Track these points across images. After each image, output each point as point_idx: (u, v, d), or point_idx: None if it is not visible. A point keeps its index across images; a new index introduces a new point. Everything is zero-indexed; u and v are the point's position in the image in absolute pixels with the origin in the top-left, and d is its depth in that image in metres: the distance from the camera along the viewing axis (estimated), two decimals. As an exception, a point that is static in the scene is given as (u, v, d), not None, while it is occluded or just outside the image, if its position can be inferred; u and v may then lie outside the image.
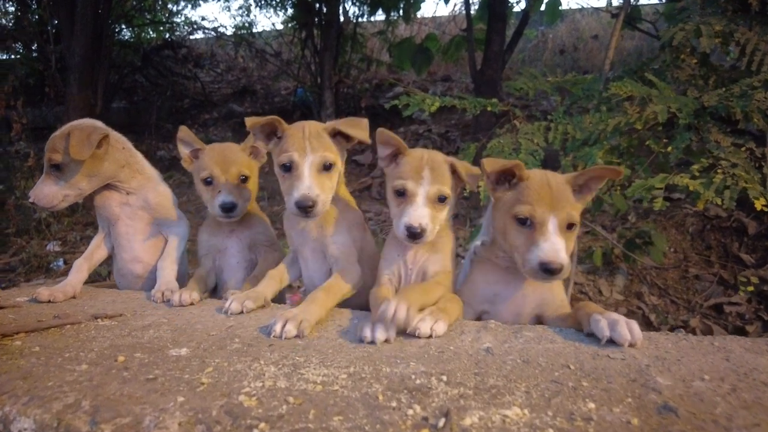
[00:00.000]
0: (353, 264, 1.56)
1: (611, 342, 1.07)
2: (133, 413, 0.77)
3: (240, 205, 1.73)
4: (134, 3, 9.97)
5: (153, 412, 0.77)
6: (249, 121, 1.52)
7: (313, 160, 1.43)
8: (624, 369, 0.93)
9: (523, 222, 1.29)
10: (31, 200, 1.70)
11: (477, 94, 7.22)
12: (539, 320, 1.42)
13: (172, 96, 10.41)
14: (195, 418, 0.75)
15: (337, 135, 1.53)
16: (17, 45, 8.85)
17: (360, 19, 10.39)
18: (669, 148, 3.21)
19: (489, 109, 3.77)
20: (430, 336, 1.16)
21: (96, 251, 1.83)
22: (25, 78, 8.74)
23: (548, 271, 1.21)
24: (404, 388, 0.86)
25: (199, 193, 1.78)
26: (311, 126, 1.49)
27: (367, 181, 8.09)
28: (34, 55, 9.34)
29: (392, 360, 1.01)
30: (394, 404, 0.80)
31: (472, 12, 7.37)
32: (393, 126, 9.61)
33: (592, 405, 0.78)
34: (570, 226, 1.30)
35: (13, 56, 8.95)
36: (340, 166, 1.56)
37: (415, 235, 1.33)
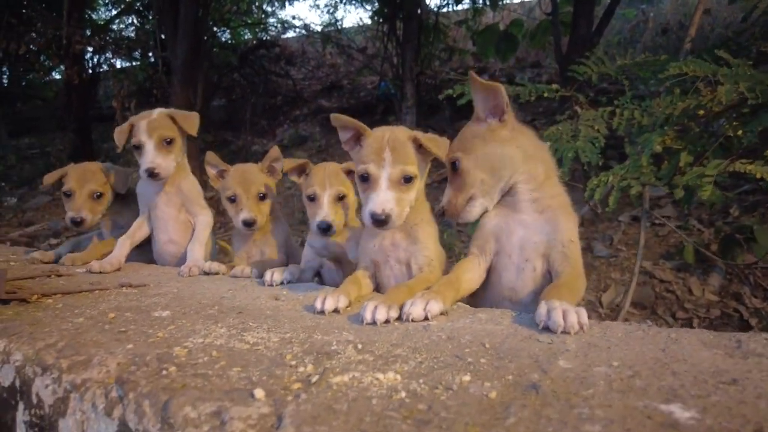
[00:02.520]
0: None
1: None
2: (88, 353, 0.95)
3: (259, 220, 1.98)
4: (232, 7, 10.76)
5: (102, 354, 0.94)
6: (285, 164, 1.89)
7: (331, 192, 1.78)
8: (537, 352, 0.95)
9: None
10: (149, 169, 1.97)
11: (562, 80, 6.92)
12: (551, 273, 1.40)
13: (265, 93, 11.10)
14: (132, 360, 0.91)
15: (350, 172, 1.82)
16: (136, 53, 9.91)
17: (443, 9, 10.32)
18: (739, 132, 2.95)
19: (545, 95, 3.66)
20: (426, 318, 1.18)
21: (137, 231, 2.13)
22: (143, 82, 9.82)
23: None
24: (315, 352, 0.96)
25: (225, 208, 2.07)
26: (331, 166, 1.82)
27: (439, 175, 8.09)
28: (151, 60, 10.45)
29: (332, 330, 1.11)
30: (293, 363, 0.90)
31: (559, -6, 7.01)
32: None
33: (466, 378, 0.82)
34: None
35: (132, 63, 10.04)
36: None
37: (380, 221, 1.34)
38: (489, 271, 1.50)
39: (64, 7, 7.97)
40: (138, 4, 11.00)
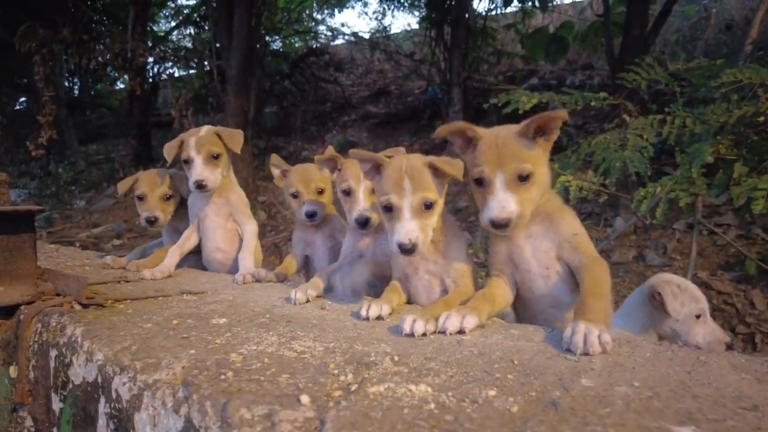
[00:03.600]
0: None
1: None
2: (157, 357, 1.08)
3: (319, 212, 2.15)
4: (283, 16, 11.11)
5: (170, 358, 1.07)
6: (317, 159, 1.97)
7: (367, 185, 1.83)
8: (562, 370, 1.00)
9: (479, 183, 1.42)
10: (197, 181, 2.15)
11: (614, 84, 6.75)
12: (574, 273, 1.44)
13: (315, 100, 11.39)
14: (194, 364, 1.04)
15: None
16: (192, 62, 10.41)
17: (491, 13, 10.25)
18: (795, 143, 2.84)
19: (593, 103, 3.63)
20: (462, 332, 1.24)
21: (186, 241, 2.32)
22: (199, 90, 10.31)
23: (496, 226, 1.34)
24: (356, 362, 1.05)
25: (288, 204, 2.25)
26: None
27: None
28: (206, 69, 10.93)
29: (371, 341, 1.20)
30: (336, 372, 0.99)
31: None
32: (524, 119, 9.35)
33: (492, 392, 0.89)
34: (522, 177, 1.37)
35: (189, 72, 10.55)
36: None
37: (407, 250, 1.40)
38: (519, 288, 1.55)
39: (129, 22, 8.52)
40: (195, 16, 11.56)
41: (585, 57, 11.60)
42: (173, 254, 2.20)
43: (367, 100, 11.86)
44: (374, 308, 1.37)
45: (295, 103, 11.54)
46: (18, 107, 11.91)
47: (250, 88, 8.80)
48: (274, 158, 2.30)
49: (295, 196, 2.20)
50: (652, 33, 6.84)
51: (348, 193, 1.89)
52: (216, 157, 2.21)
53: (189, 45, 10.90)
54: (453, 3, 9.18)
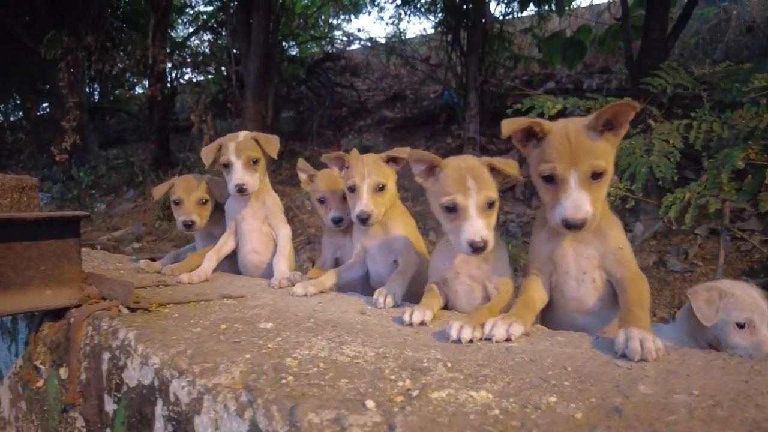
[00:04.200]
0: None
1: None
2: (214, 361, 1.10)
3: (345, 218, 2.18)
4: (300, 21, 11.20)
5: (227, 362, 1.09)
6: (324, 157, 2.06)
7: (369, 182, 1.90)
8: (617, 377, 1.01)
9: (548, 180, 1.38)
10: (238, 185, 2.19)
11: (633, 88, 6.70)
12: (613, 283, 1.43)
13: (331, 105, 11.44)
14: (252, 369, 1.06)
15: (389, 161, 2.02)
16: (210, 68, 10.52)
17: (508, 17, 10.23)
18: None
19: (617, 109, 3.60)
20: (508, 339, 1.25)
21: (224, 246, 2.35)
22: (216, 95, 10.41)
23: (571, 226, 1.30)
24: (410, 368, 1.06)
25: (314, 208, 2.32)
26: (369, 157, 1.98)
27: (511, 181, 7.99)
28: (223, 75, 11.05)
29: (420, 347, 1.22)
30: (393, 377, 1.01)
31: (630, -4, 6.77)
32: (542, 123, 9.30)
33: (553, 399, 0.90)
34: (596, 175, 1.33)
35: (206, 77, 10.66)
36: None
37: (479, 248, 1.41)
38: (552, 288, 1.55)
39: (150, 29, 8.64)
40: (212, 22, 11.70)
41: (602, 61, 11.53)
42: (210, 259, 2.23)
43: (383, 105, 11.89)
44: (417, 314, 1.39)
45: (311, 108, 11.60)
46: (40, 113, 12.14)
47: (268, 94, 8.87)
48: (301, 163, 2.34)
49: (321, 201, 2.23)
50: (672, 36, 6.78)
51: (353, 189, 1.95)
52: (255, 162, 2.25)
53: (206, 51, 11.04)
54: (470, 7, 9.18)
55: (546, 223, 1.50)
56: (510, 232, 6.39)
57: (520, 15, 10.56)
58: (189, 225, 2.37)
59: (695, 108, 3.49)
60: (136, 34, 8.95)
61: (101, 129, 12.45)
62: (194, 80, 8.53)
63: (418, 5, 10.34)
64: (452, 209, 1.47)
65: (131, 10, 11.33)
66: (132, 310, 1.52)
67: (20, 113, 12.96)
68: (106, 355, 1.36)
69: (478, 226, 1.42)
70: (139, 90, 12.97)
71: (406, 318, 1.39)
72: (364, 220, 1.89)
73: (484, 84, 9.39)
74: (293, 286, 2.00)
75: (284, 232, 2.37)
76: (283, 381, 0.99)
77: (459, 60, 9.43)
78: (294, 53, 11.67)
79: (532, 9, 9.94)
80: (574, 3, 10.92)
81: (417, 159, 1.57)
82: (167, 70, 9.41)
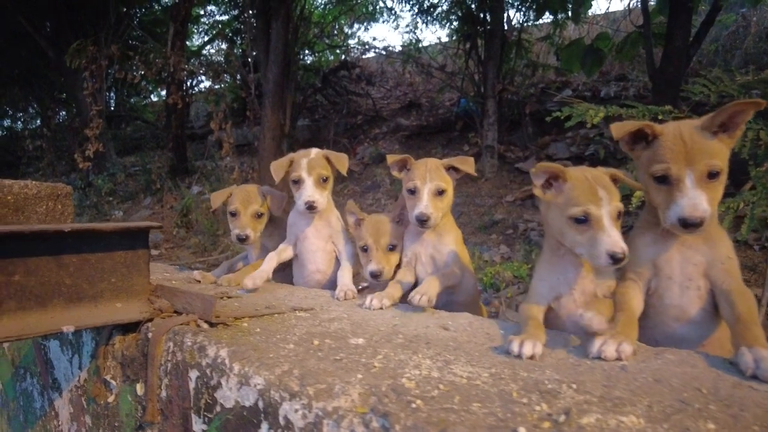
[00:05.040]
0: None
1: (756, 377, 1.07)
2: (326, 382, 1.06)
3: (385, 272, 2.08)
4: (316, 31, 11.24)
5: (340, 383, 1.04)
6: (389, 159, 2.08)
7: (431, 186, 1.95)
8: (764, 401, 0.95)
9: (662, 180, 1.38)
10: (308, 202, 2.16)
11: (655, 95, 6.64)
12: (716, 294, 1.39)
13: (347, 113, 11.46)
14: (369, 390, 1.01)
15: (450, 168, 2.04)
16: (226, 76, 10.56)
17: (525, 24, 10.23)
18: None
19: (660, 117, 3.57)
20: (618, 359, 1.20)
21: (284, 252, 2.32)
22: (231, 103, 10.44)
23: (688, 225, 1.30)
24: (536, 390, 1.01)
25: (359, 256, 2.21)
26: (431, 162, 2.01)
27: (530, 189, 7.92)
28: (238, 83, 11.10)
29: (530, 367, 1.16)
30: (525, 401, 0.96)
31: (650, 3, 6.76)
32: (560, 130, 9.27)
33: (712, 426, 0.84)
34: (712, 174, 1.34)
35: (222, 86, 10.72)
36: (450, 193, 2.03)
37: (619, 260, 1.35)
38: (649, 294, 1.51)
39: (169, 37, 8.69)
40: (227, 31, 11.77)
41: (618, 68, 11.49)
42: (271, 260, 2.20)
43: (398, 113, 11.89)
44: (528, 347, 1.27)
45: (327, 116, 11.62)
46: (59, 121, 12.24)
47: (286, 102, 8.88)
48: (350, 205, 2.24)
49: (364, 249, 2.14)
50: (694, 43, 6.73)
51: (413, 191, 1.98)
52: (325, 179, 2.23)
53: (221, 59, 11.09)
54: (487, 17, 9.17)
55: (650, 226, 1.48)
56: (532, 240, 6.32)
57: (535, 23, 10.56)
58: (243, 239, 2.34)
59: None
60: (156, 43, 8.99)
61: (118, 137, 12.51)
62: (214, 88, 8.53)
63: (435, 14, 10.33)
64: (583, 220, 1.41)
65: (148, 20, 11.41)
66: (212, 325, 1.48)
67: (38, 121, 13.07)
68: (194, 374, 1.32)
69: (617, 237, 1.37)
70: (154, 98, 13.06)
71: (515, 348, 1.27)
72: (423, 221, 1.91)
73: (502, 92, 9.37)
74: (355, 297, 1.98)
75: (349, 249, 2.33)
76: (413, 405, 0.94)
77: (477, 68, 9.41)
78: (310, 61, 11.71)
79: (547, 17, 9.92)
80: (589, 11, 10.89)
81: (543, 171, 1.52)
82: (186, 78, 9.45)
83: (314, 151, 2.25)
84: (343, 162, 2.26)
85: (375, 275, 2.05)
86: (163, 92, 9.36)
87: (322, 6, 11.83)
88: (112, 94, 12.65)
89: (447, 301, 1.96)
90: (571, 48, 9.75)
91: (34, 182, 2.09)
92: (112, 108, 12.77)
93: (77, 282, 1.56)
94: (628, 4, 9.62)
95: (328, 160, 2.24)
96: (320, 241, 2.31)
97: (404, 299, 1.84)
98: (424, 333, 1.44)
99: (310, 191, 2.15)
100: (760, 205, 2.81)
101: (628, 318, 1.36)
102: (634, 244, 1.52)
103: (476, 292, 2.17)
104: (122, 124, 12.96)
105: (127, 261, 1.65)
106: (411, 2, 10.05)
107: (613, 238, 1.36)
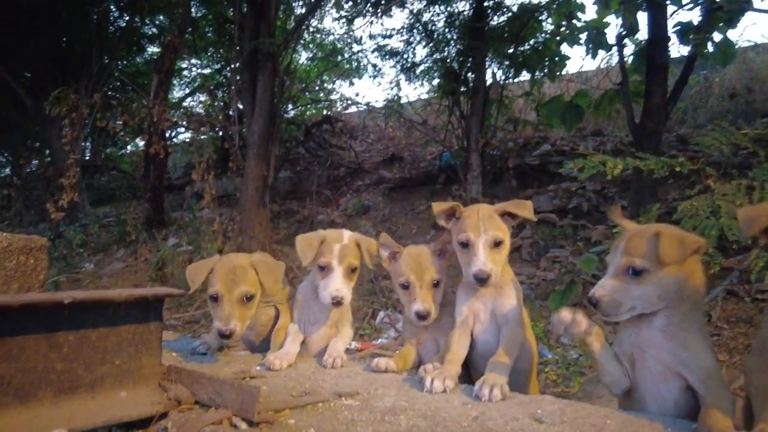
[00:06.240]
0: None
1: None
2: None
3: (433, 312, 1.87)
4: (300, 85, 11.31)
5: None
6: (435, 207, 1.99)
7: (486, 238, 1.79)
8: None
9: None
10: (336, 297, 1.93)
11: (637, 149, 6.74)
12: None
13: (330, 165, 11.39)
14: None
15: (504, 215, 1.92)
16: (206, 128, 10.42)
17: (506, 82, 10.53)
18: None
19: (678, 169, 3.53)
20: None
21: (299, 335, 2.10)
22: (211, 155, 10.23)
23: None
24: None
25: (396, 292, 2.03)
26: (483, 208, 1.90)
27: (517, 241, 7.92)
28: (219, 135, 10.97)
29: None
30: None
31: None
32: (541, 184, 9.37)
33: None
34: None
35: (204, 137, 10.54)
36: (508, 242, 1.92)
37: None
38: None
39: (152, 88, 8.53)
40: (211, 84, 11.72)
41: (593, 124, 11.85)
42: (296, 340, 1.92)
43: (381, 165, 11.93)
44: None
45: (309, 168, 11.57)
46: (30, 169, 11.76)
47: (270, 154, 8.74)
48: (384, 237, 2.03)
49: (405, 287, 1.91)
50: (671, 100, 6.99)
51: (466, 245, 1.80)
52: (353, 270, 2.01)
53: (201, 111, 10.99)
54: (468, 74, 9.40)
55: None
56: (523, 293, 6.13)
57: (515, 81, 10.87)
58: (226, 335, 1.86)
59: (755, 168, 3.44)
60: (137, 93, 8.82)
61: (92, 187, 12.09)
62: (195, 139, 8.36)
63: (417, 71, 10.55)
64: (638, 273, 1.43)
65: (130, 71, 11.29)
66: (251, 423, 1.18)
67: (8, 170, 12.56)
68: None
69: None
70: (130, 148, 12.74)
71: None
72: (483, 280, 1.72)
73: (485, 146, 9.51)
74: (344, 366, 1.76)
75: (348, 330, 2.16)
76: None
77: (459, 123, 9.54)
78: (293, 115, 11.72)
79: (526, 75, 10.23)
80: (564, 69, 11.30)
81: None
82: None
83: (347, 236, 2.04)
84: (372, 250, 2.06)
85: (422, 316, 1.82)
86: (142, 143, 9.12)
87: (308, 62, 11.99)
88: (87, 143, 12.32)
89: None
90: (552, 104, 10.02)
91: (4, 234, 1.80)
92: (87, 157, 12.40)
93: (72, 367, 1.25)
94: (600, 64, 10.07)
95: (358, 246, 2.03)
96: (327, 328, 2.11)
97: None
98: (518, 428, 1.18)
99: (339, 284, 1.92)
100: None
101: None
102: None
103: (535, 358, 1.91)
104: (96, 174, 12.55)
105: (136, 337, 1.35)
106: (395, 60, 10.26)
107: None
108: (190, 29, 8.62)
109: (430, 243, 2.02)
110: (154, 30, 10.07)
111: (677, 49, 7.59)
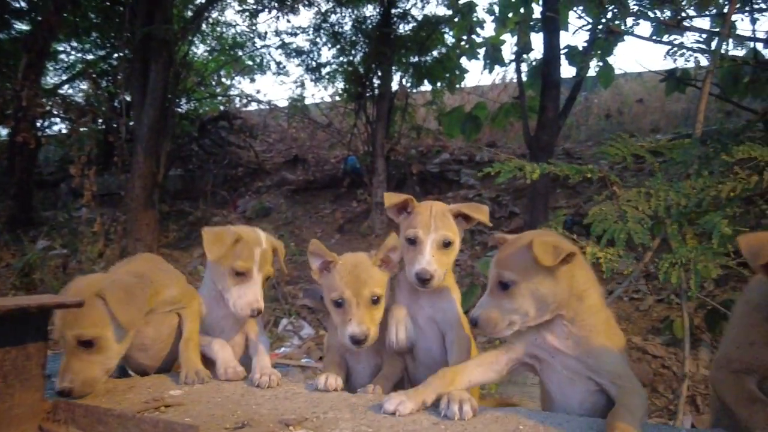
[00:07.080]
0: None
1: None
2: None
3: (370, 336, 1.61)
4: (196, 78, 10.55)
5: None
6: (387, 199, 1.84)
7: (436, 237, 1.69)
8: None
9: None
10: (255, 308, 1.73)
11: (532, 159, 7.14)
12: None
13: (227, 164, 10.75)
14: None
15: (459, 216, 1.82)
16: (86, 118, 9.35)
17: (411, 90, 10.72)
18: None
19: (589, 176, 3.69)
20: None
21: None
22: (91, 150, 9.18)
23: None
24: None
25: (328, 310, 1.72)
26: (437, 206, 1.80)
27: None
28: (101, 127, 9.87)
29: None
30: None
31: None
32: (441, 191, 9.63)
33: None
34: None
35: (83, 129, 9.45)
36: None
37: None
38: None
39: (20, 69, 7.42)
40: (92, 71, 10.51)
41: (488, 135, 12.48)
42: (225, 348, 1.71)
43: (283, 167, 11.55)
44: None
45: (203, 166, 10.85)
46: None
47: (161, 149, 8.03)
48: (315, 244, 1.73)
49: (338, 304, 1.64)
50: (562, 115, 7.54)
51: (413, 242, 1.68)
52: (268, 278, 1.85)
53: (80, 100, 9.83)
54: (374, 80, 9.45)
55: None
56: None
57: (418, 89, 11.11)
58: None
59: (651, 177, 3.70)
60: (1, 73, 7.62)
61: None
62: (74, 129, 7.41)
63: (323, 72, 10.37)
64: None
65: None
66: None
67: None
68: None
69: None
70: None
71: None
72: (425, 280, 1.60)
73: (390, 152, 9.61)
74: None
75: (264, 338, 1.93)
76: None
77: (365, 127, 9.52)
78: (186, 109, 10.89)
79: (427, 85, 10.51)
80: (463, 82, 11.77)
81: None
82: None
83: (264, 238, 1.82)
84: (282, 256, 1.92)
85: (358, 341, 1.56)
86: (5, 131, 7.86)
87: (206, 54, 11.23)
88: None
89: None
90: (452, 115, 10.36)
91: None
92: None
93: None
94: (495, 79, 10.68)
95: (275, 253, 1.87)
96: (235, 334, 1.90)
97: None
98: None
99: (258, 293, 1.73)
100: (699, 261, 2.91)
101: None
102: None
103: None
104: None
105: (7, 365, 0.99)
106: (300, 59, 10.00)
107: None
108: (69, 7, 7.63)
109: (370, 252, 1.77)
110: (23, 4, 8.77)
111: (567, 70, 8.25)
